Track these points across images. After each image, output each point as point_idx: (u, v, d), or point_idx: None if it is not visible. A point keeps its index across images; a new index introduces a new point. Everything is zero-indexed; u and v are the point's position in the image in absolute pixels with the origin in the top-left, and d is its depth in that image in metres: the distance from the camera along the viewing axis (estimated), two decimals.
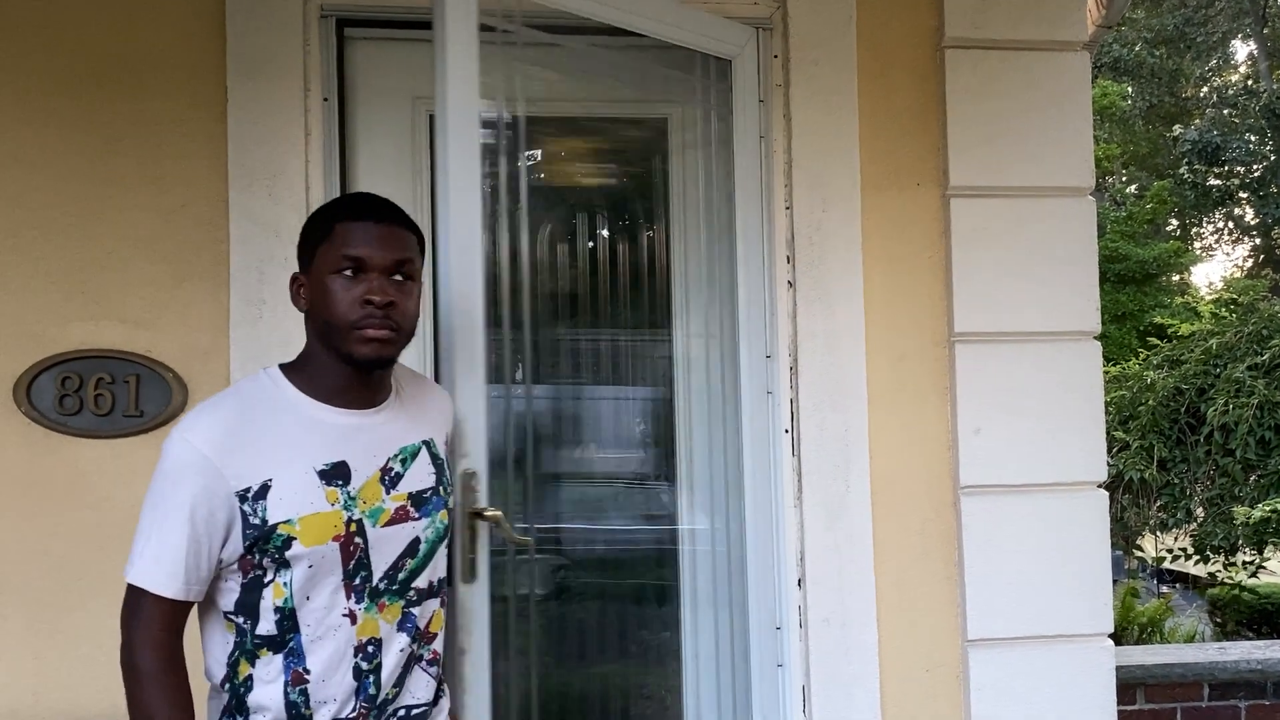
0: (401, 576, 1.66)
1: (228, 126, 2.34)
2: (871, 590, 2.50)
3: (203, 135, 2.35)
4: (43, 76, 2.32)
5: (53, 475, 2.29)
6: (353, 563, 1.60)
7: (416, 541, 1.68)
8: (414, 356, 2.41)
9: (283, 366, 1.66)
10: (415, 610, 1.69)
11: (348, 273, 1.59)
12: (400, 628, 1.66)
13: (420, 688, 1.71)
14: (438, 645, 1.75)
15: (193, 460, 1.53)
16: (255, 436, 1.57)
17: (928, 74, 2.59)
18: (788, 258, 2.54)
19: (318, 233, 1.63)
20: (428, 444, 1.73)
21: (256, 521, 1.54)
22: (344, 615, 1.61)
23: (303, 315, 1.67)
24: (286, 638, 1.59)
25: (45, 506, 2.29)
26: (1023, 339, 2.56)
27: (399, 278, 1.62)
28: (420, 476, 1.70)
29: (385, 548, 1.64)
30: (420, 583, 1.70)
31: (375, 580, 1.63)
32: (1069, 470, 2.56)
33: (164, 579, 1.53)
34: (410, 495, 1.67)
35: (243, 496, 1.54)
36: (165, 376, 2.31)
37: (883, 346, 2.56)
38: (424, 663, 1.72)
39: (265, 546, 1.55)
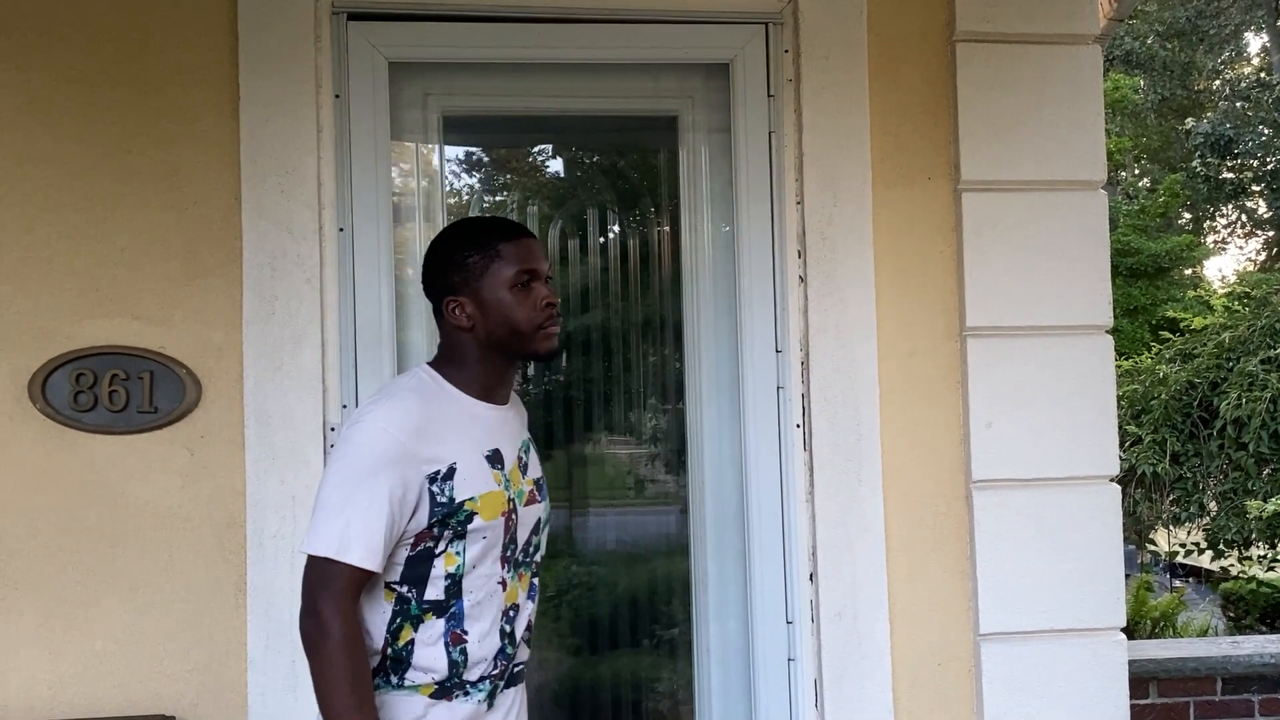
0: (530, 549, 1.92)
1: (240, 123, 2.35)
2: (883, 584, 2.50)
3: (215, 132, 2.36)
4: (56, 75, 2.33)
5: (67, 471, 2.30)
6: (509, 536, 1.83)
7: (540, 520, 1.94)
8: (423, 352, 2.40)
9: (431, 365, 1.87)
10: (536, 580, 1.95)
11: (525, 283, 1.82)
12: (529, 595, 1.91)
13: (524, 649, 1.93)
14: None
15: (393, 449, 1.70)
16: (438, 425, 1.77)
17: (939, 68, 2.58)
18: (799, 252, 2.54)
19: (482, 255, 1.82)
20: (529, 440, 1.98)
21: (444, 500, 1.74)
22: (498, 583, 1.82)
23: (449, 328, 1.85)
24: (450, 603, 1.77)
25: (60, 502, 2.30)
26: (1034, 333, 2.56)
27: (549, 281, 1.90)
28: (535, 465, 1.97)
29: (526, 523, 1.88)
30: (539, 556, 1.96)
31: (517, 552, 1.86)
32: (1081, 464, 2.56)
33: (365, 553, 1.68)
34: (535, 481, 1.93)
35: (432, 478, 1.73)
36: (179, 373, 2.32)
37: (894, 341, 2.55)
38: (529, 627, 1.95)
39: (449, 520, 1.75)
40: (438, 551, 1.76)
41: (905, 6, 2.58)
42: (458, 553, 1.76)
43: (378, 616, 1.76)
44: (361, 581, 1.70)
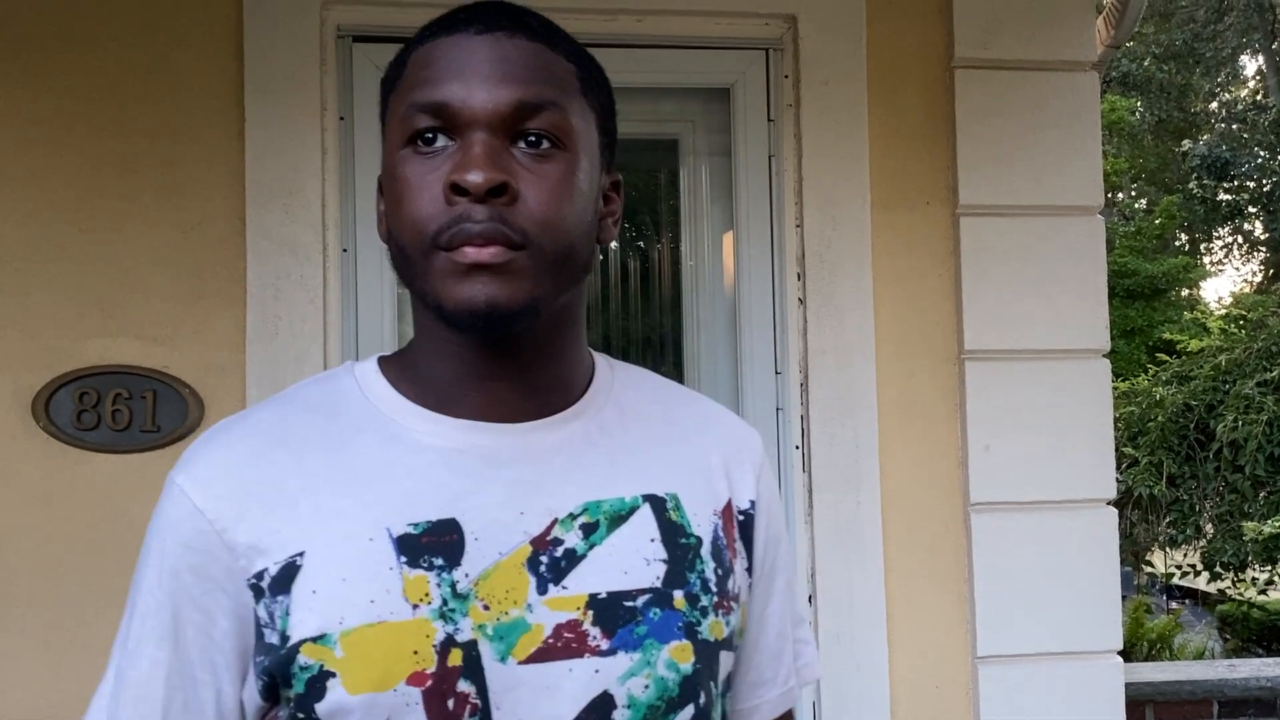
0: None
1: (245, 144, 2.37)
2: (882, 607, 2.51)
3: (220, 153, 2.38)
4: (62, 95, 2.35)
5: (70, 490, 2.31)
6: None
7: (606, 701, 0.86)
8: None
9: (384, 358, 0.99)
10: None
11: (436, 140, 0.87)
12: None
13: None
14: None
15: (179, 520, 0.90)
16: (292, 474, 0.89)
17: (938, 93, 2.61)
18: (798, 274, 2.55)
19: (389, 75, 0.95)
20: (657, 501, 0.95)
21: (274, 639, 0.86)
22: None
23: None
24: None
25: (61, 520, 2.31)
26: (1032, 356, 2.57)
27: (529, 141, 0.87)
28: (624, 559, 0.91)
29: (529, 709, 0.85)
30: None
31: None
32: (1078, 487, 2.57)
33: None
34: (594, 600, 0.88)
35: (257, 588, 0.86)
36: (182, 392, 2.33)
37: (893, 363, 2.57)
38: None
39: (286, 692, 0.86)
40: None
41: (904, 33, 2.61)
42: None
43: None
44: None
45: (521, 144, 0.87)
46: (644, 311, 2.82)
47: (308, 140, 2.38)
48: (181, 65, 2.38)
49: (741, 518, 1.01)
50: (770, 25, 2.58)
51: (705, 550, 0.95)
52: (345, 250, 2.43)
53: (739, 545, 0.99)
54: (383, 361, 0.98)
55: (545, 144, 0.87)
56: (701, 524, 0.96)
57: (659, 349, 2.79)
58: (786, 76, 2.59)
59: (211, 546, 0.87)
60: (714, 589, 0.94)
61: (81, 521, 2.31)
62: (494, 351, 0.91)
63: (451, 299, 0.84)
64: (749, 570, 1.01)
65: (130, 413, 2.32)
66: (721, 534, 0.97)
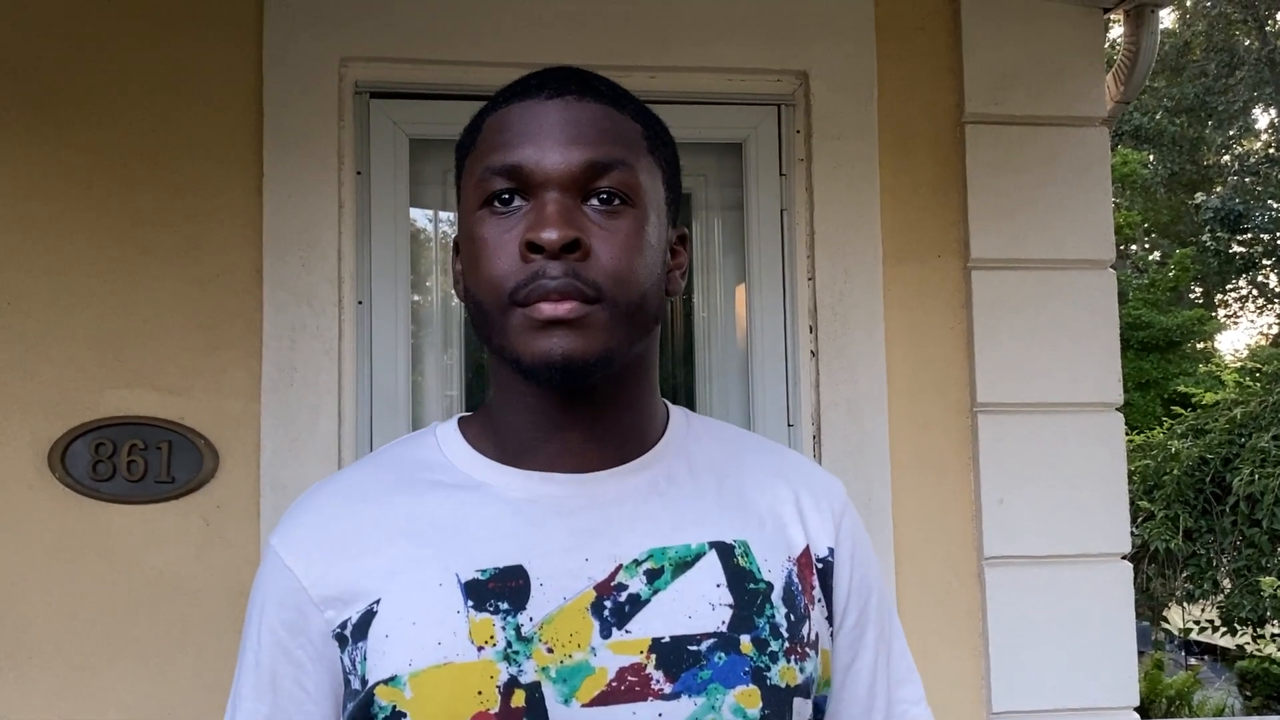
0: None
1: (263, 199, 2.40)
2: None
3: (239, 206, 2.41)
4: (84, 149, 2.39)
5: (84, 540, 2.32)
6: None
7: None
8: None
9: (464, 417, 1.04)
10: None
11: (512, 200, 0.91)
12: None
13: None
14: None
15: (272, 579, 0.96)
16: (371, 527, 0.93)
17: (948, 148, 2.63)
18: (810, 327, 2.56)
19: (465, 140, 0.98)
20: (724, 548, 0.95)
21: (356, 684, 0.90)
22: None
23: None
24: None
25: (76, 571, 2.31)
26: (1045, 410, 2.57)
27: (600, 199, 0.91)
28: (689, 604, 0.91)
29: None
30: None
31: None
32: (1092, 542, 2.56)
33: None
34: (657, 643, 0.89)
35: (341, 638, 0.91)
36: (197, 443, 2.35)
37: (906, 416, 2.57)
38: None
39: None
40: None
41: (915, 89, 2.63)
42: None
43: None
44: None
45: (593, 201, 0.91)
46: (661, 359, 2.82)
47: (325, 194, 2.41)
48: (202, 120, 2.42)
49: (820, 565, 1.01)
50: (782, 81, 2.61)
51: (776, 595, 0.95)
52: (361, 302, 2.45)
53: (817, 593, 1.00)
54: (462, 421, 1.02)
55: (615, 201, 0.91)
56: (773, 570, 0.96)
57: (671, 400, 2.79)
58: (798, 131, 2.61)
59: (300, 603, 0.93)
60: (785, 635, 0.93)
61: (96, 572, 2.31)
62: (569, 402, 0.94)
63: (529, 353, 0.88)
64: (829, 619, 1.01)
65: (146, 463, 2.33)
66: (797, 580, 0.97)
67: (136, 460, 2.33)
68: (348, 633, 0.90)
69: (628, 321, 0.91)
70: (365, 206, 2.47)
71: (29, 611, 2.29)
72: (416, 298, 2.56)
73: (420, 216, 2.59)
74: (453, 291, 2.59)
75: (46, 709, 2.28)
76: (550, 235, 0.86)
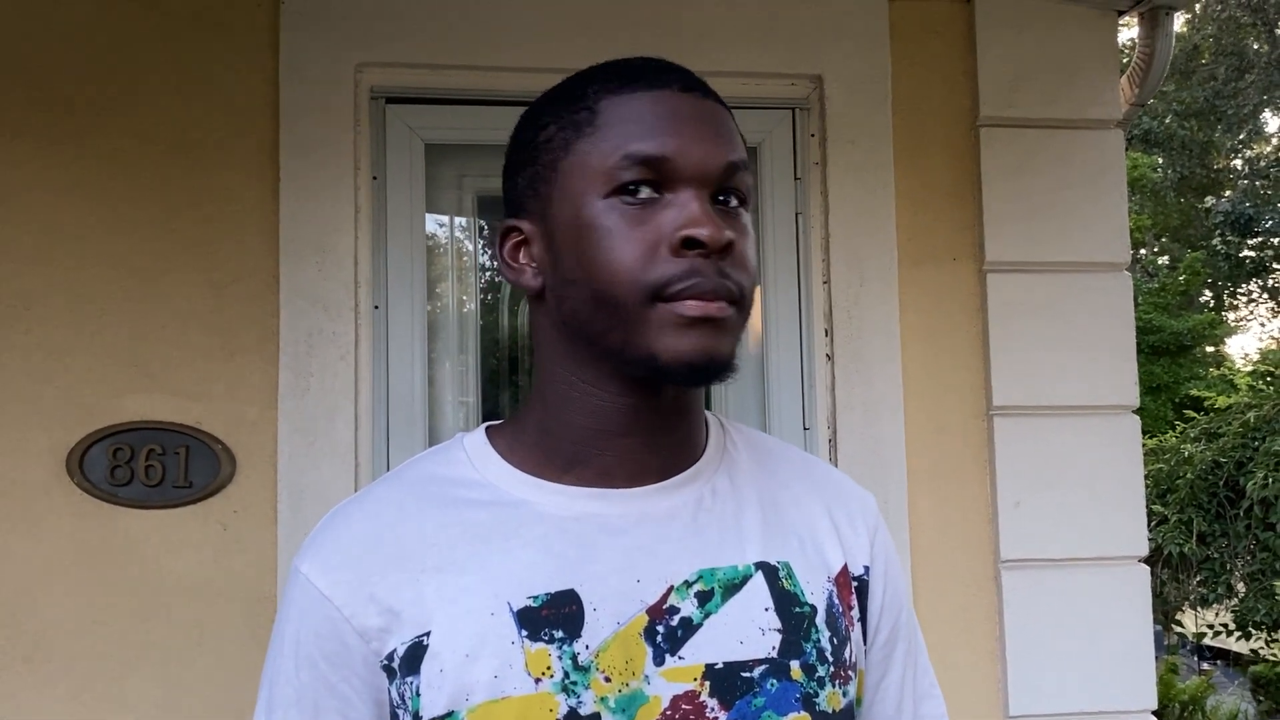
0: None
1: (280, 204, 2.40)
2: None
3: (256, 212, 2.41)
4: (101, 156, 2.40)
5: (103, 545, 2.33)
6: None
7: None
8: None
9: (492, 428, 0.99)
10: None
11: (640, 191, 0.87)
12: None
13: None
14: None
15: (308, 609, 0.90)
16: (413, 553, 0.89)
17: (963, 152, 2.63)
18: (826, 331, 2.56)
19: (562, 125, 0.93)
20: (769, 570, 0.93)
21: (407, 719, 0.87)
22: None
23: (530, 307, 0.97)
24: None
25: (93, 576, 2.32)
26: (1061, 412, 2.57)
27: (733, 200, 0.91)
28: (740, 629, 0.89)
29: None
30: None
31: None
32: (1110, 544, 2.55)
33: None
34: (710, 670, 0.87)
35: (389, 669, 0.88)
36: (214, 448, 2.35)
37: (921, 419, 2.57)
38: None
39: None
40: None
41: (929, 93, 2.64)
42: None
43: None
44: None
45: (724, 201, 0.90)
46: None
47: (341, 199, 2.42)
48: (218, 126, 2.43)
49: (857, 583, 0.99)
50: (797, 85, 2.61)
51: (820, 619, 0.93)
52: (377, 307, 2.45)
53: (856, 613, 0.98)
54: (490, 431, 0.98)
55: (735, 201, 0.91)
56: (815, 592, 0.94)
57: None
58: (813, 135, 2.61)
59: (343, 633, 0.88)
60: (830, 659, 0.92)
61: (114, 577, 2.32)
62: (649, 404, 0.91)
63: (669, 350, 0.84)
64: (864, 637, 1.00)
65: (163, 468, 2.34)
66: (837, 601, 0.96)
67: (154, 465, 2.34)
68: (396, 665, 0.86)
69: (745, 324, 0.90)
70: (381, 212, 2.48)
71: (48, 616, 2.30)
72: (432, 303, 2.57)
73: (436, 221, 2.60)
74: (468, 294, 2.61)
75: (65, 712, 2.29)
76: (715, 234, 0.85)
